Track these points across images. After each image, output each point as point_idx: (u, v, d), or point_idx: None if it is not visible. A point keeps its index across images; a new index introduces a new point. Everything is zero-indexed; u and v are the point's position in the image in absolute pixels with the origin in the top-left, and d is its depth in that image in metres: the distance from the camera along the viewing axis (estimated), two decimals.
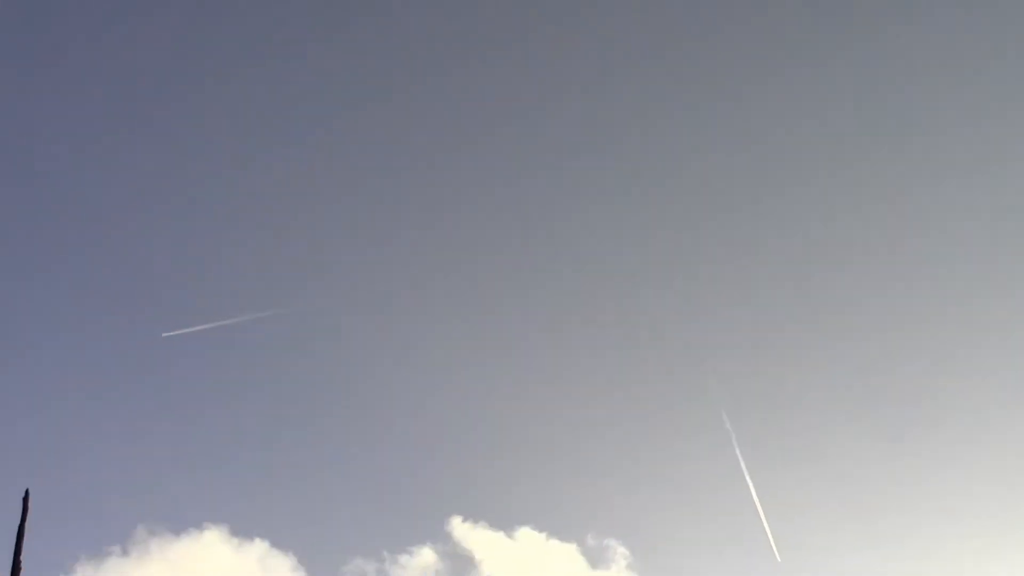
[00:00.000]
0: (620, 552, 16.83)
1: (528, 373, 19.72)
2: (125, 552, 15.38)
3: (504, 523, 16.98)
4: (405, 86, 20.93)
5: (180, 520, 16.00)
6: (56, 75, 19.83)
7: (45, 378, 17.35)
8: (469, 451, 18.49)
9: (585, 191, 20.89)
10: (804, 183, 20.93)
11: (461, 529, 16.65)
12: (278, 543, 15.71)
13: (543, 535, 17.20)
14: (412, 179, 20.49)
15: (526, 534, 17.12)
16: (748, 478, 16.76)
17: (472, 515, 16.77)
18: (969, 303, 20.35)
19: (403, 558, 16.51)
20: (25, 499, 5.54)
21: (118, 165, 19.31)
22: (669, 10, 21.36)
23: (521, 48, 21.42)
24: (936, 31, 20.88)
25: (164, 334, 16.53)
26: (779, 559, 16.51)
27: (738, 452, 17.07)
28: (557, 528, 17.22)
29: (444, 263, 20.35)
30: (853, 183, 20.80)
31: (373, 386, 18.49)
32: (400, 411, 18.24)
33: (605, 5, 21.24)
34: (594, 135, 21.43)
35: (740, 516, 17.01)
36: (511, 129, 21.14)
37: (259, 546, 15.83)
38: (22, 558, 5.66)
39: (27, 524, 5.57)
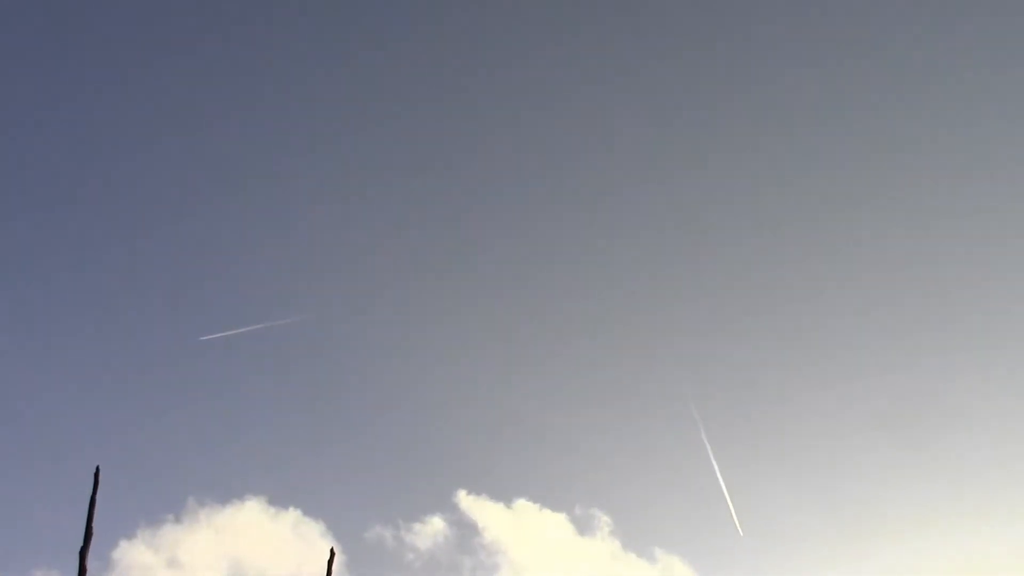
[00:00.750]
0: (604, 520, 18.12)
1: (524, 363, 21.21)
2: (178, 520, 16.96)
3: (503, 495, 18.20)
4: (421, 86, 21.77)
5: (225, 491, 17.66)
6: (90, 76, 20.80)
7: (110, 370, 19.59)
8: (473, 431, 20.07)
9: (575, 189, 21.92)
10: (790, 180, 21.74)
11: (466, 501, 17.90)
12: (309, 512, 17.40)
13: (537, 506, 18.38)
14: (419, 179, 21.61)
15: (522, 505, 18.24)
16: (712, 456, 17.91)
17: (475, 488, 18.06)
18: (937, 283, 21.25)
19: (416, 526, 17.94)
20: (96, 474, 6.18)
21: (154, 173, 20.56)
22: (670, 9, 22.19)
23: (521, 46, 22.21)
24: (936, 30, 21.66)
25: (204, 337, 18.66)
26: (740, 532, 17.68)
27: (704, 436, 18.23)
28: (549, 499, 18.50)
29: (448, 260, 21.45)
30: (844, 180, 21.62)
31: (390, 377, 20.34)
32: (414, 397, 20.06)
33: (605, 5, 22.01)
34: (588, 133, 22.26)
35: (707, 490, 18.30)
36: (509, 131, 22.02)
37: (293, 514, 17.35)
38: (93, 525, 6.34)
39: (97, 496, 6.26)
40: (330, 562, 8.18)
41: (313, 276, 20.48)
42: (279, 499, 17.37)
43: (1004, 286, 20.45)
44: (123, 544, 16.43)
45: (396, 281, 21.09)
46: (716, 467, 17.70)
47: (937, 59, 20.98)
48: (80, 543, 6.34)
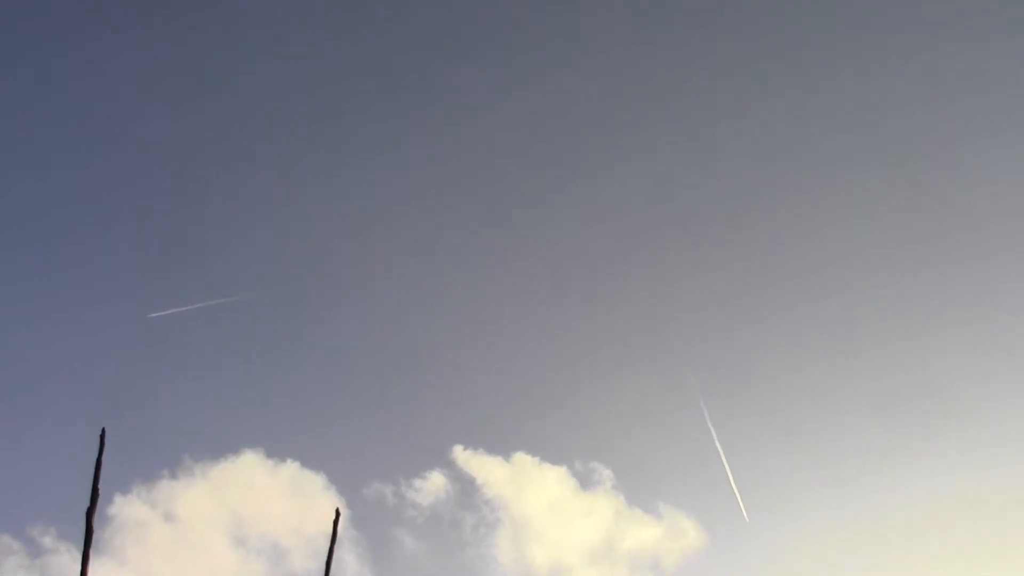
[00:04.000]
0: (606, 474, 18.00)
1: (519, 314, 21.02)
2: (173, 476, 17.03)
3: (501, 448, 18.10)
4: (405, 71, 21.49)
5: (220, 445, 17.64)
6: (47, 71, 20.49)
7: (104, 326, 19.54)
8: (467, 383, 19.85)
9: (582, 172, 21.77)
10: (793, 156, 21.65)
11: (463, 456, 17.77)
12: (308, 464, 17.44)
13: (536, 459, 18.28)
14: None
15: (521, 459, 18.18)
16: (708, 418, 18.00)
17: (471, 442, 17.89)
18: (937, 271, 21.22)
19: (416, 482, 17.86)
20: (102, 436, 6.15)
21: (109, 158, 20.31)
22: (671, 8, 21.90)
23: (519, 42, 21.96)
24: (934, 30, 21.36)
25: (208, 303, 18.67)
26: (736, 493, 17.80)
27: (701, 402, 18.32)
28: (548, 453, 18.39)
29: (444, 207, 21.28)
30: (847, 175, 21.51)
31: (386, 335, 20.16)
32: (411, 353, 19.91)
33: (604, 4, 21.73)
34: (591, 126, 22.08)
35: (710, 447, 18.37)
36: (510, 112, 21.81)
37: (291, 466, 17.39)
38: (99, 485, 6.33)
39: (103, 457, 6.23)
40: (335, 523, 8.04)
41: (310, 239, 20.25)
42: (276, 451, 17.26)
43: None
44: (118, 499, 16.44)
45: (397, 229, 20.92)
46: (710, 422, 17.74)
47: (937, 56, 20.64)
48: (85, 504, 6.29)
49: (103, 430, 6.06)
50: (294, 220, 20.96)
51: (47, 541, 16.10)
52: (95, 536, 6.18)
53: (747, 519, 18.43)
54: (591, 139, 21.74)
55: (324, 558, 7.19)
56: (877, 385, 19.83)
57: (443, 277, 20.66)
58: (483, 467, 18.26)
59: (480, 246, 21.90)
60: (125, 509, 16.82)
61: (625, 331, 21.10)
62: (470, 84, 21.56)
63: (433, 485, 18.02)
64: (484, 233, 21.96)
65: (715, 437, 17.67)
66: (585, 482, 18.60)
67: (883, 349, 20.44)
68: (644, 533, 18.06)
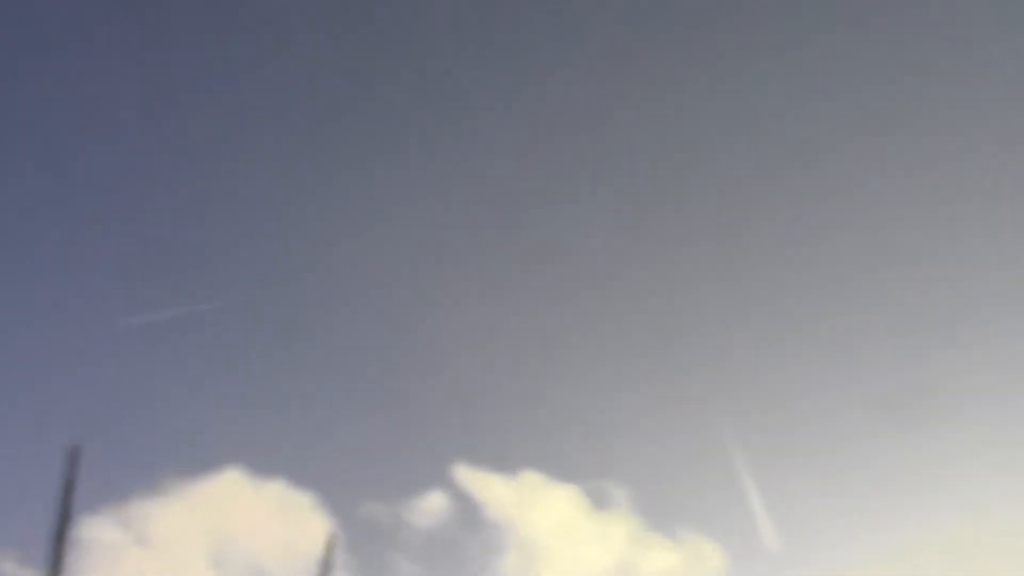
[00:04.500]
0: (621, 494, 17.32)
1: (526, 320, 20.31)
2: (147, 495, 16.09)
3: (506, 466, 17.48)
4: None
5: (198, 463, 16.79)
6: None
7: (77, 335, 18.59)
8: (473, 396, 19.07)
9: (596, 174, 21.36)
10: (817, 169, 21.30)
11: (466, 474, 17.14)
12: (297, 482, 16.49)
13: (545, 477, 17.67)
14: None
15: (528, 477, 17.55)
16: (732, 435, 17.45)
17: (476, 459, 17.28)
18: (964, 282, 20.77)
19: (414, 502, 17.08)
20: (73, 452, 5.77)
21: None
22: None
23: (518, 40, 21.69)
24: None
25: (188, 308, 17.82)
26: (762, 517, 17.25)
27: (725, 417, 17.77)
28: (559, 470, 17.72)
29: (450, 221, 20.68)
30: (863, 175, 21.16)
31: (382, 342, 19.29)
32: (409, 361, 18.91)
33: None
34: (606, 120, 21.74)
35: (726, 465, 17.75)
36: (512, 115, 21.45)
37: (277, 485, 16.54)
38: (70, 506, 5.94)
39: (75, 477, 5.86)
40: (330, 546, 7.47)
41: (303, 239, 19.59)
42: (262, 468, 16.47)
43: None
44: (88, 521, 15.57)
45: (397, 228, 20.33)
46: (738, 452, 17.21)
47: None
48: (52, 527, 5.86)
49: (74, 447, 5.59)
50: (287, 220, 20.29)
51: (8, 567, 15.27)
52: (63, 561, 5.80)
53: (773, 545, 17.77)
54: (610, 139, 21.20)
55: None
56: (921, 402, 19.13)
57: (446, 279, 19.84)
58: (487, 486, 17.55)
59: (487, 245, 21.12)
60: (95, 531, 15.97)
61: (642, 340, 20.41)
62: (484, 83, 21.05)
63: (433, 505, 17.20)
64: (490, 232, 21.21)
65: (739, 455, 17.02)
66: (599, 502, 17.90)
67: (921, 366, 19.77)
68: (662, 558, 17.34)
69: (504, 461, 17.98)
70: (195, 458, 16.76)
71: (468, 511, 17.46)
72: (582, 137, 22.24)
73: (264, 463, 16.71)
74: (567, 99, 22.06)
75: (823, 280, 21.28)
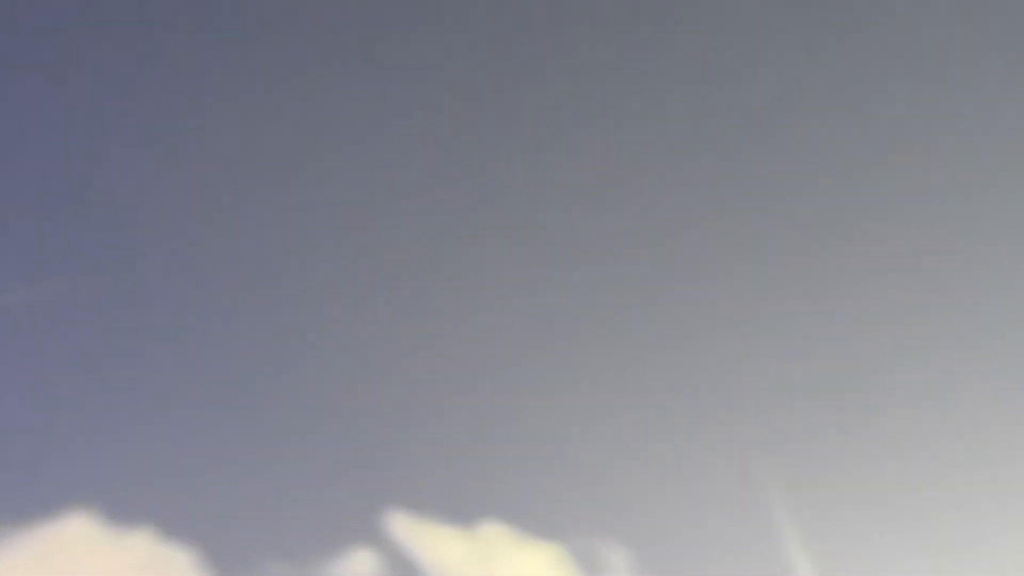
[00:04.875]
0: (619, 557, 14.34)
1: (487, 323, 17.31)
2: None
3: (462, 515, 14.29)
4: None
5: (33, 505, 13.75)
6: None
7: None
8: (414, 423, 15.82)
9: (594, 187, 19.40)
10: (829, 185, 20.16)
11: (402, 524, 14.06)
12: (169, 533, 13.38)
13: (515, 531, 14.63)
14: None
15: (491, 530, 14.44)
16: (764, 484, 14.65)
17: (416, 505, 14.16)
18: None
19: (333, 562, 14.08)
20: None
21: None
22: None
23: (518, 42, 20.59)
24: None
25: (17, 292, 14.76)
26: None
27: (754, 460, 15.03)
28: (535, 523, 14.63)
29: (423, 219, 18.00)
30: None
31: (290, 355, 16.12)
32: (327, 376, 15.72)
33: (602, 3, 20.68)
34: (631, 129, 20.53)
35: (757, 521, 14.91)
36: (514, 126, 19.56)
37: (142, 536, 13.56)
38: None
39: None
40: None
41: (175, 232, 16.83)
42: (120, 514, 13.39)
43: None
44: None
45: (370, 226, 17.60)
46: (774, 506, 14.21)
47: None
48: None
49: None
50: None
51: None
52: None
53: None
54: (611, 140, 19.40)
55: None
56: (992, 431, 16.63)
57: (386, 273, 16.90)
58: (433, 541, 14.64)
59: (446, 232, 18.65)
60: None
61: (645, 361, 17.69)
62: (472, 80, 19.42)
63: (358, 567, 14.39)
64: (448, 218, 18.89)
65: (772, 508, 14.07)
66: (589, 566, 15.02)
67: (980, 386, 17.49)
68: None
69: (457, 509, 15.00)
70: (31, 497, 13.97)
71: (405, 574, 14.68)
72: (581, 136, 20.37)
73: (125, 507, 13.76)
74: (567, 99, 20.61)
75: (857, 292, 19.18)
